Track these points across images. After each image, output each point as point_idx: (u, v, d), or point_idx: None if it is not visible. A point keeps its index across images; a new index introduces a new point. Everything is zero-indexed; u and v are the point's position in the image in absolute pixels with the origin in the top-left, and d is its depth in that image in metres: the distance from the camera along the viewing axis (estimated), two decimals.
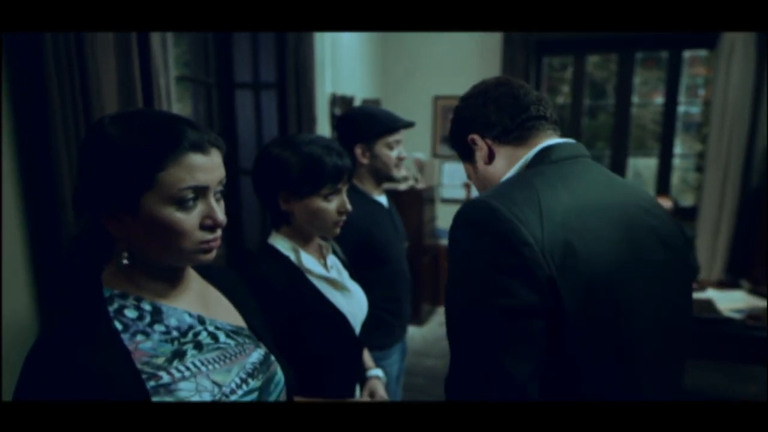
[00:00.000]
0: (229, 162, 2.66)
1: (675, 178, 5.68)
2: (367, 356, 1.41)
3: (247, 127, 2.74)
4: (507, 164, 0.91)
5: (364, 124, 1.56)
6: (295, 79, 2.64)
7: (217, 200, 0.74)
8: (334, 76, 3.31)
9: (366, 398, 1.27)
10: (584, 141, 4.84)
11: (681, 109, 4.24)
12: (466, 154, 0.97)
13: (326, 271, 1.23)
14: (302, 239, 1.21)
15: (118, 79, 1.54)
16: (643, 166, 5.45)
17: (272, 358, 0.85)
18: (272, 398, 0.81)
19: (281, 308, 1.11)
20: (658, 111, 4.26)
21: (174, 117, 0.73)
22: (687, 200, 4.98)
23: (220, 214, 0.73)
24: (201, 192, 0.71)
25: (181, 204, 0.69)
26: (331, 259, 1.28)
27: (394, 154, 1.58)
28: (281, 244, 1.19)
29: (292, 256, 1.18)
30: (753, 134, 3.72)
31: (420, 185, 3.81)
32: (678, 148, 4.44)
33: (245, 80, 2.71)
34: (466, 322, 0.73)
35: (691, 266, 0.97)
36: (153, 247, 0.71)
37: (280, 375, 0.85)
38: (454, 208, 4.50)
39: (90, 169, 0.69)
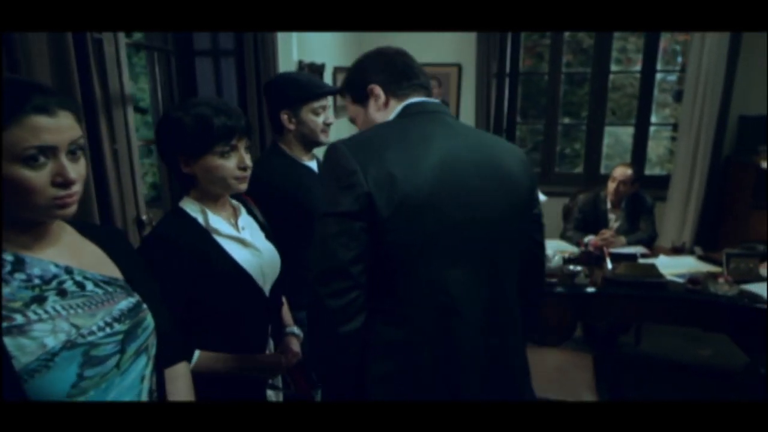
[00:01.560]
0: None
1: (660, 147, 5.66)
2: (286, 313, 1.48)
3: (209, 95, 2.76)
4: (389, 113, 1.17)
5: (288, 90, 1.60)
6: (253, 46, 2.65)
7: (73, 159, 0.80)
8: (300, 44, 3.31)
9: (278, 353, 1.34)
10: (563, 110, 4.81)
11: (659, 76, 4.21)
12: (359, 99, 1.21)
13: (236, 231, 1.29)
14: (211, 200, 1.26)
15: (50, 49, 1.56)
16: (625, 135, 5.41)
17: (144, 306, 0.91)
18: (139, 341, 0.88)
19: (185, 267, 1.17)
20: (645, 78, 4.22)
21: (21, 81, 0.78)
22: (669, 169, 4.98)
23: (71, 172, 0.78)
24: (50, 151, 0.76)
25: (28, 162, 0.74)
26: (244, 220, 1.34)
27: (320, 119, 1.62)
28: (190, 206, 1.24)
29: (200, 218, 1.23)
30: (727, 102, 3.70)
31: None
32: (656, 117, 4.43)
33: (204, 47, 2.72)
34: (318, 221, 1.03)
35: (528, 196, 1.16)
36: (8, 203, 0.76)
37: (149, 321, 0.91)
38: None
39: None
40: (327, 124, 1.64)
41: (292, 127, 1.62)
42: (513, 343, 1.13)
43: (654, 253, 2.73)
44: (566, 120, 5.17)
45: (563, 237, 3.05)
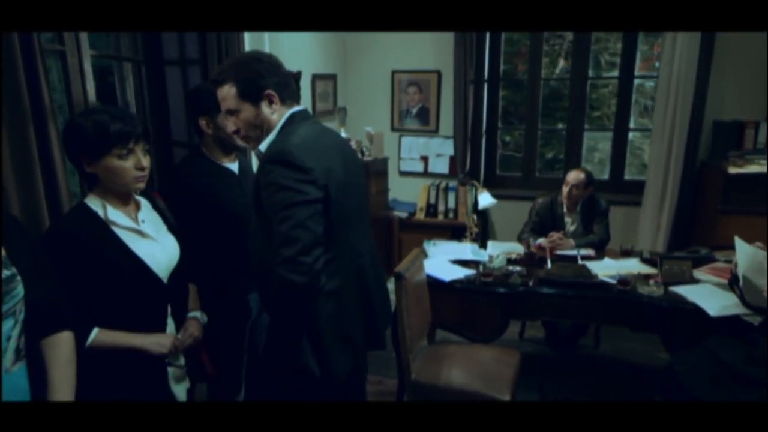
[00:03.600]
0: (162, 135, 2.90)
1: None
2: (192, 300, 1.64)
3: (178, 103, 2.95)
4: (279, 118, 1.46)
5: (205, 99, 1.76)
6: (217, 55, 2.83)
7: None
8: (274, 51, 3.45)
9: (171, 334, 1.50)
10: (559, 115, 4.84)
11: (637, 82, 4.22)
12: (255, 100, 1.44)
13: (135, 223, 1.44)
14: (113, 197, 1.42)
15: None
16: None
17: (18, 278, 1.08)
18: (7, 306, 1.05)
19: (83, 254, 1.33)
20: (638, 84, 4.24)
21: None
22: None
23: None
24: None
25: None
26: (145, 214, 1.50)
27: None
28: (92, 201, 1.41)
29: (100, 212, 1.40)
30: (701, 107, 3.70)
31: (367, 157, 3.97)
32: (649, 122, 4.43)
33: (173, 57, 2.91)
34: (287, 211, 1.30)
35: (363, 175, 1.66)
36: None
37: (20, 290, 1.09)
38: (412, 180, 4.62)
39: None
40: None
41: (210, 131, 1.78)
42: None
43: (599, 256, 2.78)
44: (560, 125, 5.21)
45: (519, 239, 3.13)
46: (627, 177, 4.30)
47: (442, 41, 4.24)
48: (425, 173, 4.56)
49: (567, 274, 2.39)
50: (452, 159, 4.43)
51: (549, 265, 2.58)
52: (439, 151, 4.50)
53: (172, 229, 1.56)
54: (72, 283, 1.32)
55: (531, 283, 2.41)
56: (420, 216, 4.38)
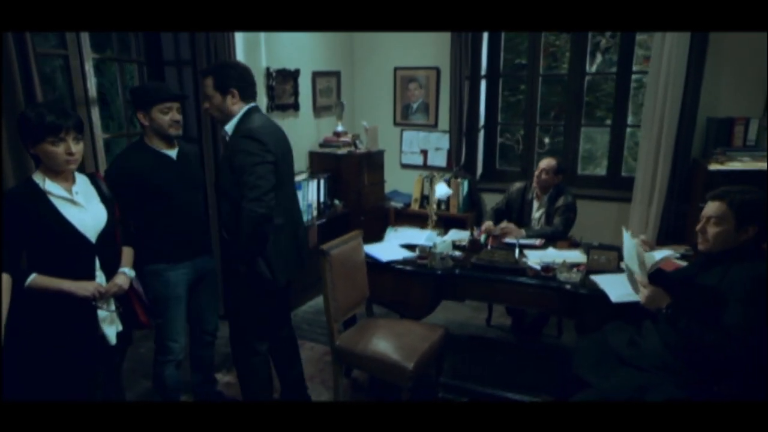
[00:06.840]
0: None
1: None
2: (125, 258, 1.99)
3: None
4: (238, 110, 2.11)
5: (141, 96, 2.10)
6: (206, 55, 3.19)
7: None
8: (270, 51, 3.79)
9: (95, 282, 1.85)
10: (543, 109, 4.85)
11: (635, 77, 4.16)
12: (223, 92, 2.08)
13: (68, 194, 1.81)
14: (52, 173, 1.79)
15: None
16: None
17: None
18: None
19: (23, 215, 1.71)
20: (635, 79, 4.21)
21: None
22: None
23: None
24: None
25: None
26: (80, 187, 1.85)
27: (167, 118, 2.11)
28: (36, 176, 1.79)
29: (41, 184, 1.78)
30: (692, 104, 3.61)
31: (360, 150, 4.23)
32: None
33: (170, 58, 3.32)
34: (253, 168, 1.99)
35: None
36: None
37: None
38: (412, 173, 4.83)
39: None
40: (175, 121, 2.12)
41: (146, 123, 2.12)
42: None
43: (546, 246, 2.87)
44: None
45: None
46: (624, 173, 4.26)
47: (440, 39, 4.39)
48: (424, 166, 4.74)
49: (494, 259, 2.54)
50: (449, 152, 4.58)
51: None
52: (438, 145, 4.67)
53: (104, 200, 1.91)
54: (14, 237, 1.70)
55: (463, 266, 2.58)
56: (415, 207, 4.57)
